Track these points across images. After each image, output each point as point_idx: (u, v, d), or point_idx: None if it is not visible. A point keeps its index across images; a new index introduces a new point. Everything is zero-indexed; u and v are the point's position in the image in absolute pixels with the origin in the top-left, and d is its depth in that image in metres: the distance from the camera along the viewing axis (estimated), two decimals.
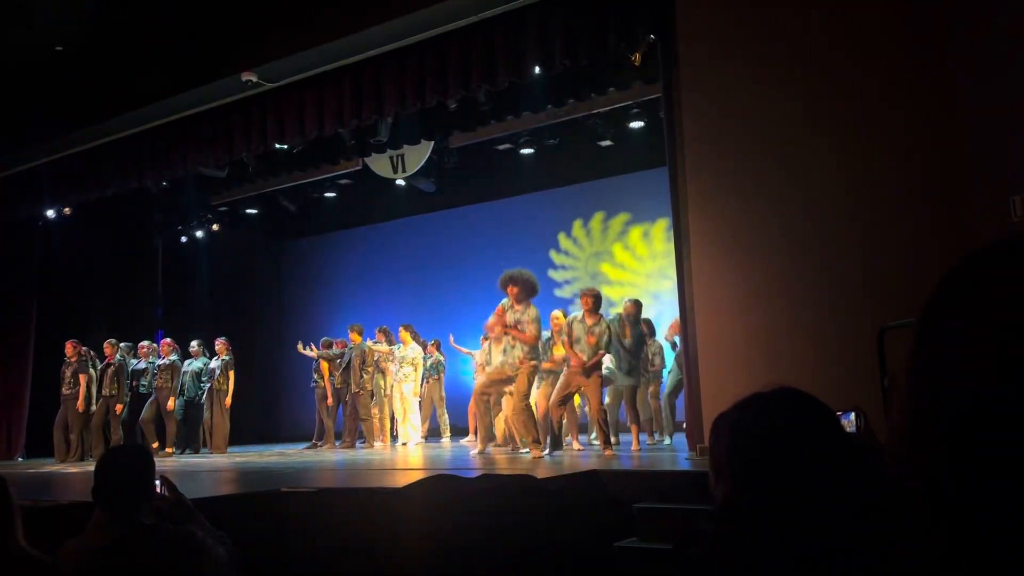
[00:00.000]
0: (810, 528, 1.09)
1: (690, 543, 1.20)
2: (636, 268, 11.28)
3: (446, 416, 10.38)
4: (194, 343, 10.46)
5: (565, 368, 6.86)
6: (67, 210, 10.62)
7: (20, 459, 10.45)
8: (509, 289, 6.78)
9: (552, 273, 11.71)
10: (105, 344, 9.92)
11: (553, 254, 11.87)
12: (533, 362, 6.68)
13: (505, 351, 6.78)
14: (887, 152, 5.18)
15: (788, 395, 1.21)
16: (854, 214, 5.26)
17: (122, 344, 10.06)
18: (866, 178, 5.23)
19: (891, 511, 0.62)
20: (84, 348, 9.91)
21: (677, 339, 7.11)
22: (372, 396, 9.89)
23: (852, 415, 2.02)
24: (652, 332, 8.05)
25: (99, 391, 9.76)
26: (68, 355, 9.80)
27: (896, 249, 5.01)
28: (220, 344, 10.21)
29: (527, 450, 6.84)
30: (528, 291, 6.82)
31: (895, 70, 5.20)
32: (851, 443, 1.20)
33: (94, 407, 9.71)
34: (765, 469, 1.15)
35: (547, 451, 6.62)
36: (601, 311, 6.90)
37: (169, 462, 8.36)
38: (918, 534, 0.58)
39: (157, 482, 2.57)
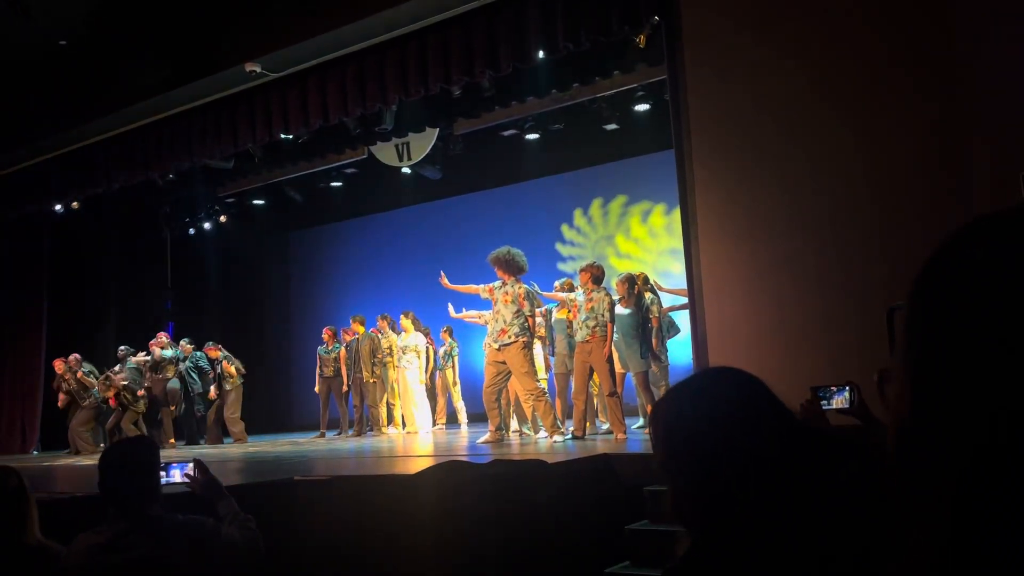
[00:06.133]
0: (758, 520, 0.99)
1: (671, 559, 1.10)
2: (645, 250, 11.26)
3: (462, 402, 10.42)
4: (184, 341, 10.57)
5: (576, 352, 6.90)
6: (75, 204, 10.65)
7: (35, 452, 10.54)
8: (496, 270, 6.93)
9: (560, 255, 11.71)
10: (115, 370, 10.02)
11: (560, 239, 11.86)
12: (524, 338, 6.72)
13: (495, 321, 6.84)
14: (897, 130, 5.14)
15: (713, 375, 1.13)
16: (863, 193, 5.22)
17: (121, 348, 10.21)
18: (875, 156, 5.19)
19: (890, 500, 0.61)
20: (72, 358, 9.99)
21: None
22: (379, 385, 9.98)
23: (846, 390, 2.02)
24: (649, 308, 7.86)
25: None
26: (59, 371, 9.89)
27: (906, 228, 4.98)
28: (212, 350, 10.33)
29: (544, 434, 6.86)
30: (510, 269, 6.87)
31: (903, 47, 5.15)
32: (794, 421, 1.07)
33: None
34: (696, 457, 1.04)
35: (568, 436, 6.62)
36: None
37: (176, 453, 8.42)
38: (919, 524, 0.57)
39: (190, 464, 2.60)
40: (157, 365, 10.15)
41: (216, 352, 10.29)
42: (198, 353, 10.52)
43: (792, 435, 1.04)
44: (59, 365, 9.93)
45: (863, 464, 0.98)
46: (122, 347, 10.40)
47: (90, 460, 8.22)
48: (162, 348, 10.21)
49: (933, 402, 0.57)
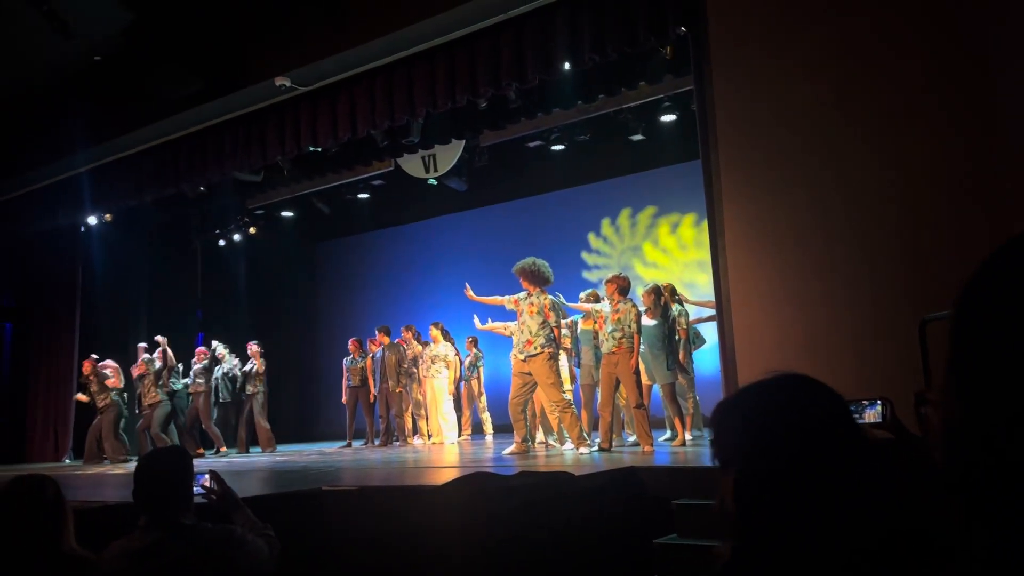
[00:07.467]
0: (821, 523, 1.00)
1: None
2: (671, 261, 11.22)
3: (487, 413, 10.42)
4: (221, 347, 10.66)
5: (603, 363, 6.88)
6: (108, 216, 10.83)
7: (67, 460, 10.69)
8: (521, 281, 6.94)
9: (586, 268, 11.70)
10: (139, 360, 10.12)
11: (586, 250, 11.85)
12: (550, 349, 6.70)
13: (521, 331, 6.83)
14: (926, 138, 5.08)
15: (792, 380, 1.13)
16: (892, 202, 5.16)
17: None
18: (904, 165, 5.14)
19: (936, 507, 0.61)
20: (99, 367, 10.08)
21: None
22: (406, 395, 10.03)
23: (878, 404, 2.00)
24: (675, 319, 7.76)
25: (139, 400, 9.99)
26: (86, 373, 9.98)
27: (937, 237, 4.92)
28: (254, 349, 10.42)
29: (570, 446, 6.84)
30: (536, 280, 6.87)
31: (932, 53, 5.10)
32: (861, 433, 1.09)
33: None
34: (768, 459, 1.05)
35: (594, 448, 6.60)
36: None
37: (207, 461, 8.50)
38: (962, 531, 0.57)
39: (206, 476, 2.63)
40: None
41: (256, 350, 10.41)
42: (234, 361, 10.61)
43: (844, 445, 1.06)
44: (87, 366, 10.05)
45: (905, 474, 1.00)
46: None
47: (121, 469, 8.33)
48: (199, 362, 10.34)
49: (980, 415, 0.57)
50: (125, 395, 10.09)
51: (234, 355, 10.67)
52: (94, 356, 10.13)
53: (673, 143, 9.55)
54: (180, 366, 10.28)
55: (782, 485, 1.03)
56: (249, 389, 10.32)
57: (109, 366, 9.99)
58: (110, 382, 9.83)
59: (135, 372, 9.98)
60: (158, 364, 9.90)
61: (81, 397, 10.18)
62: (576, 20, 6.72)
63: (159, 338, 9.98)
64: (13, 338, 11.63)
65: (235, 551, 2.35)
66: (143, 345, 10.26)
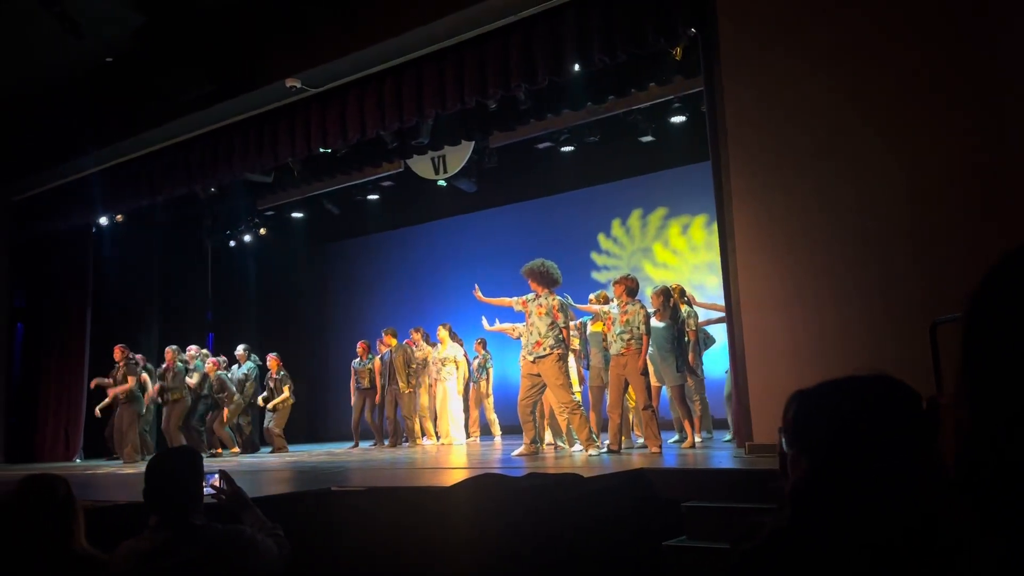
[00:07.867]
0: (887, 520, 1.06)
1: (747, 539, 1.17)
2: (682, 262, 11.20)
3: (495, 414, 10.43)
4: (240, 348, 10.65)
5: (612, 365, 6.86)
6: (119, 217, 10.88)
7: (78, 460, 10.74)
8: (529, 283, 6.92)
9: (595, 269, 11.69)
10: (166, 350, 10.11)
11: (596, 251, 11.84)
12: (559, 350, 6.68)
13: (529, 334, 6.81)
14: (937, 140, 5.05)
15: (886, 382, 1.19)
16: (903, 205, 5.14)
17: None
18: (915, 167, 5.12)
19: (951, 511, 0.62)
20: (131, 353, 10.07)
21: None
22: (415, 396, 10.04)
23: None
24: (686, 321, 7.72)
25: (162, 395, 10.01)
26: (116, 359, 9.95)
27: (948, 240, 4.89)
28: (274, 360, 10.46)
29: (579, 447, 6.82)
30: (544, 281, 6.86)
31: (943, 54, 5.07)
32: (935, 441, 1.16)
33: (144, 407, 9.91)
34: (852, 454, 1.12)
35: (603, 449, 6.59)
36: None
37: (219, 462, 8.53)
38: (968, 531, 0.57)
39: (216, 475, 2.64)
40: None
41: (276, 363, 10.44)
42: (251, 364, 10.62)
43: (918, 451, 1.11)
44: (118, 352, 9.88)
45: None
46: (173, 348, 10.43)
47: (131, 468, 8.36)
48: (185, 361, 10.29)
49: (987, 416, 0.57)
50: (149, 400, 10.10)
51: (255, 356, 10.69)
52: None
53: (683, 144, 9.54)
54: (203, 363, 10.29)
55: (855, 478, 1.10)
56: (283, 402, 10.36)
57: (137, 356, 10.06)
58: (131, 379, 9.80)
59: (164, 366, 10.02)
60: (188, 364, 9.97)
61: (100, 383, 10.06)
62: (585, 21, 6.72)
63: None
64: (24, 338, 11.68)
65: (245, 551, 2.36)
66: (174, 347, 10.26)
